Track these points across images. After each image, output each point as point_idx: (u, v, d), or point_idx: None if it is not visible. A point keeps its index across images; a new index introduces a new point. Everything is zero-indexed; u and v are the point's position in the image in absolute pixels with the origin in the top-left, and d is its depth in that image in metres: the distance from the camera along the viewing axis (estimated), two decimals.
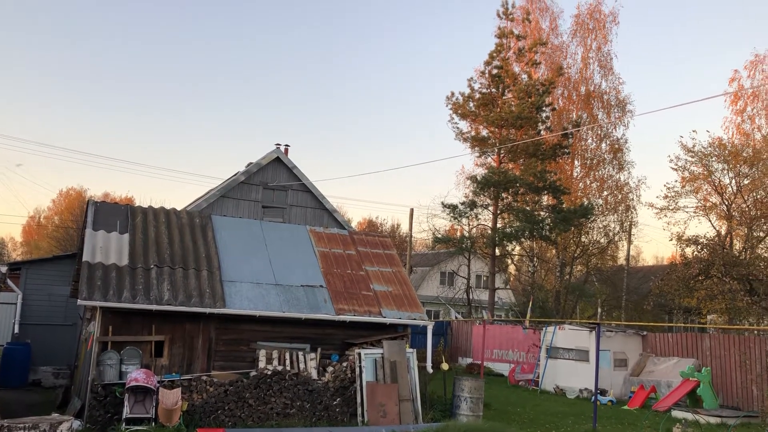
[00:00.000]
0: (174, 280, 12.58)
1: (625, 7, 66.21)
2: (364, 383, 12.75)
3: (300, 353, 13.09)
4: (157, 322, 12.19)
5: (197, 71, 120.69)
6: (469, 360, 26.31)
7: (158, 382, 11.18)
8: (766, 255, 23.76)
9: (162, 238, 13.65)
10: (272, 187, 21.28)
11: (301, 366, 12.90)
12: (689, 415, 15.84)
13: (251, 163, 21.75)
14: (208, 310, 12.26)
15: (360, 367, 12.86)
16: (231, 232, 14.77)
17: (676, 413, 16.37)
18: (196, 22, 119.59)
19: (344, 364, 13.13)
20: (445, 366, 15.63)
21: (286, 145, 22.23)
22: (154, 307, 11.82)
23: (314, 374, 12.89)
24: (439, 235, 32.41)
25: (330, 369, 13.05)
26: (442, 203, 30.25)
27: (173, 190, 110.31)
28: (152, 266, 12.69)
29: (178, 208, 15.53)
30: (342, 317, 13.36)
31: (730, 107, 35.79)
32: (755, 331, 19.92)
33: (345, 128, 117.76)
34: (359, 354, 12.98)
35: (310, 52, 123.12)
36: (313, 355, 13.18)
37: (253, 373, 12.36)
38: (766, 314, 19.19)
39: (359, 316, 13.58)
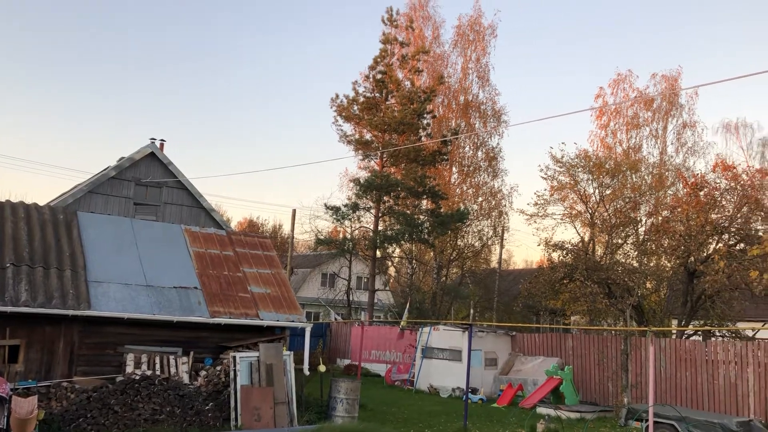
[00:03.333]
0: (33, 279, 11.73)
1: (503, 21, 69.17)
2: (238, 387, 12.48)
3: (171, 357, 12.61)
4: (13, 325, 11.34)
5: (64, 54, 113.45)
6: (348, 361, 26.45)
7: (11, 389, 10.36)
8: (623, 260, 25.57)
9: (20, 235, 12.69)
10: (145, 183, 20.38)
11: (173, 370, 12.42)
12: (552, 411, 16.76)
13: (123, 157, 20.71)
14: (71, 312, 11.54)
15: (235, 370, 12.58)
16: (98, 230, 13.98)
17: (541, 410, 17.27)
18: (69, 8, 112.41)
19: (218, 367, 12.79)
20: (322, 368, 15.62)
21: (162, 140, 21.39)
22: (9, 308, 10.98)
23: (186, 378, 12.46)
24: (322, 237, 32.38)
25: (203, 373, 12.67)
26: (325, 205, 30.27)
27: (35, 184, 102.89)
28: (8, 265, 11.76)
29: (41, 203, 14.50)
30: (217, 320, 13.01)
31: (595, 122, 38.41)
32: (612, 332, 21.38)
33: (226, 126, 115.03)
34: (234, 357, 12.69)
35: (192, 46, 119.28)
36: (185, 358, 12.74)
37: (120, 378, 11.76)
38: (621, 315, 20.65)
39: (235, 318, 13.28)
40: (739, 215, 20.98)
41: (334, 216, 30.11)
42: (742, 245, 20.12)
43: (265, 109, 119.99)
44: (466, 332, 19.29)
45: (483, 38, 38.04)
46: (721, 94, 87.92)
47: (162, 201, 20.56)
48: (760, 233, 19.57)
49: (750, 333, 20.86)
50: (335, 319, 32.11)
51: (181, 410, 11.97)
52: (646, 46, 76.71)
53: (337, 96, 30.62)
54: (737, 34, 73.68)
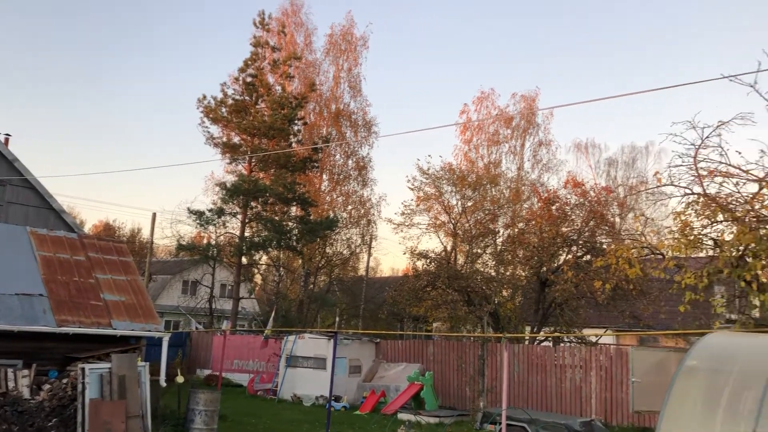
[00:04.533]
0: None
1: (375, 34, 70.40)
2: (86, 401, 11.66)
3: (9, 370, 11.56)
4: None
5: None
6: (209, 371, 25.58)
7: None
8: (482, 269, 26.73)
9: None
10: None
11: (11, 384, 11.40)
12: (413, 417, 17.13)
13: None
14: None
15: (83, 383, 11.74)
16: None
17: (402, 415, 17.60)
18: None
19: (64, 380, 11.90)
20: (180, 378, 15.00)
21: (7, 135, 19.69)
22: None
23: (27, 393, 11.48)
24: (184, 242, 31.13)
25: (46, 387, 11.73)
26: (189, 209, 29.17)
27: None
28: None
29: None
30: (65, 329, 12.10)
31: (459, 136, 40.01)
32: (471, 338, 22.27)
33: (84, 124, 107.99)
34: (83, 369, 11.85)
35: (50, 41, 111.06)
36: (26, 371, 11.73)
37: None
38: (479, 322, 21.54)
39: (85, 328, 12.42)
40: (586, 229, 22.61)
41: (198, 221, 29.11)
42: (588, 257, 21.67)
43: (126, 110, 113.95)
44: (332, 340, 19.31)
45: (355, 49, 38.47)
46: (573, 115, 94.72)
47: (5, 200, 18.88)
48: (604, 246, 21.16)
49: (594, 339, 22.51)
50: (196, 328, 30.98)
51: (19, 428, 11.00)
52: (508, 66, 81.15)
53: (205, 97, 29.73)
54: (589, 62, 79.77)
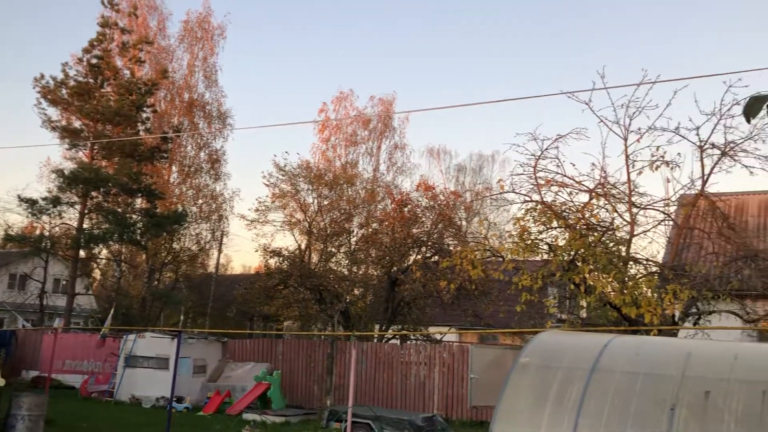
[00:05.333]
0: None
1: (233, 25, 68.61)
2: None
3: None
4: None
5: None
6: (37, 373, 23.55)
7: None
8: (335, 268, 26.90)
9: None
10: None
11: None
12: (258, 417, 16.83)
13: None
14: None
15: None
16: None
17: (248, 415, 17.23)
18: None
19: None
20: (1, 381, 13.66)
21: None
22: None
23: None
24: (12, 233, 28.47)
25: None
26: (19, 196, 26.67)
27: None
28: None
29: None
30: None
31: (318, 135, 40.02)
32: (321, 336, 22.32)
33: None
34: None
35: None
36: None
37: None
38: (330, 321, 21.66)
39: None
40: (435, 231, 23.45)
41: (30, 210, 26.70)
42: (436, 257, 22.48)
43: None
44: (175, 339, 18.48)
45: (212, 38, 37.29)
46: (428, 121, 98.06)
47: None
48: (451, 247, 22.06)
49: (438, 337, 23.37)
50: (23, 326, 28.46)
51: None
52: (367, 69, 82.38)
53: (42, 76, 27.37)
54: (446, 68, 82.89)
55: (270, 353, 21.65)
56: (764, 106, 2.76)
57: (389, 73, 78.62)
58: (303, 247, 30.48)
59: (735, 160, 13.73)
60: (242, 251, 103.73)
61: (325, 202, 29.89)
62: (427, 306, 23.18)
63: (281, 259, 24.06)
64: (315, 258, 29.98)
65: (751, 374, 6.87)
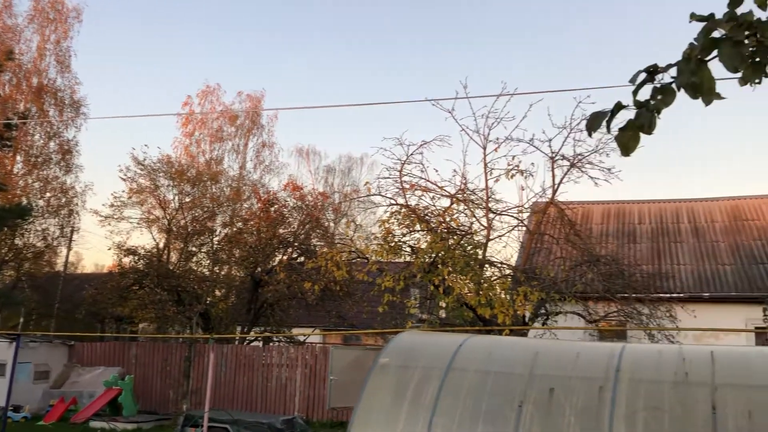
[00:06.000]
0: None
1: (90, 7, 64.30)
2: None
3: None
4: None
5: None
6: None
7: None
8: (196, 268, 25.95)
9: None
10: None
11: None
12: (107, 424, 15.89)
13: None
14: None
15: None
16: None
17: (95, 423, 16.25)
18: None
19: None
20: None
21: None
22: None
23: None
24: None
25: None
26: None
27: None
28: None
29: None
30: None
31: (181, 129, 38.45)
32: (179, 339, 21.46)
33: None
34: None
35: None
36: None
37: None
38: (189, 323, 20.89)
39: None
40: (302, 232, 23.30)
41: None
42: (302, 259, 22.35)
43: None
44: (14, 343, 17.02)
45: (66, 20, 34.71)
46: (298, 120, 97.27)
47: None
48: (318, 248, 22.03)
49: (302, 338, 23.24)
50: None
51: None
52: (236, 64, 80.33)
53: None
54: (318, 69, 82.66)
55: (123, 357, 20.52)
56: (603, 122, 2.94)
57: (258, 69, 77.21)
58: (161, 245, 29.12)
59: (582, 171, 14.81)
60: (95, 249, 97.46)
61: (187, 199, 28.74)
62: (291, 307, 22.97)
63: (137, 257, 22.87)
64: (174, 257, 28.76)
65: (589, 372, 7.38)
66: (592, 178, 14.85)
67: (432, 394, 7.42)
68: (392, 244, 14.23)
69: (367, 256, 14.96)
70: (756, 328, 16.64)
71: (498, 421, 7.14)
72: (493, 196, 15.33)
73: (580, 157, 14.68)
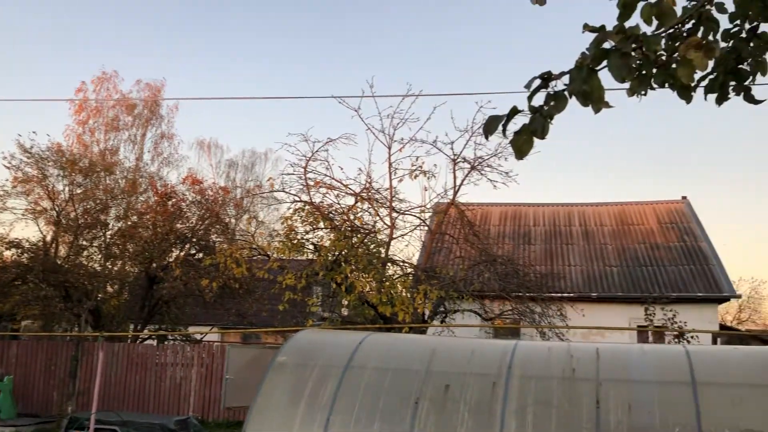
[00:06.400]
0: None
1: None
2: None
3: None
4: None
5: None
6: None
7: None
8: (87, 263, 24.68)
9: None
10: None
11: None
12: None
13: None
14: None
15: None
16: None
17: None
18: None
19: None
20: None
21: None
22: None
23: None
24: None
25: None
26: None
27: None
28: None
29: None
30: None
31: (74, 117, 36.42)
32: (67, 337, 20.36)
33: None
34: None
35: None
36: None
37: None
38: (77, 320, 19.85)
39: None
40: (201, 227, 22.64)
41: None
42: (201, 255, 21.72)
43: None
44: None
45: None
46: (200, 112, 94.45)
47: None
48: (217, 244, 21.47)
49: (199, 336, 22.59)
50: None
51: None
52: (134, 51, 76.95)
53: None
54: (222, 61, 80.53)
55: (2, 356, 19.22)
56: (500, 125, 3.01)
57: (159, 58, 74.36)
58: (49, 238, 27.49)
59: (482, 174, 15.26)
60: None
61: (79, 191, 27.28)
62: (188, 305, 22.29)
63: (20, 251, 21.51)
64: (63, 251, 27.22)
65: (484, 368, 7.59)
66: (491, 180, 15.33)
67: (330, 393, 7.39)
68: (295, 242, 14.10)
69: (269, 253, 14.75)
70: (638, 326, 17.72)
71: (395, 417, 7.20)
72: (396, 196, 15.52)
73: (480, 160, 15.12)
